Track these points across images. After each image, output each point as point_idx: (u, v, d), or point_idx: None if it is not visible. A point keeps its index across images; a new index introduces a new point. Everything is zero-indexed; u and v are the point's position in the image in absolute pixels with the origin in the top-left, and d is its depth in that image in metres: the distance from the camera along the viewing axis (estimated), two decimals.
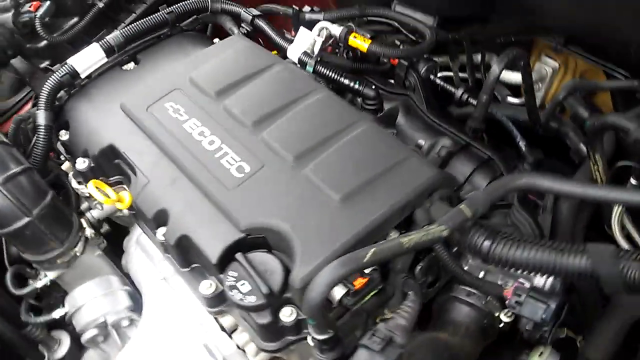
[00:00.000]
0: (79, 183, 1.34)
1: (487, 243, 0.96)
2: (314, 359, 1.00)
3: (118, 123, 1.29)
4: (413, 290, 1.05)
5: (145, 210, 1.17)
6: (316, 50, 1.47)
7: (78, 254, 1.32)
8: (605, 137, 1.13)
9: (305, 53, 1.41)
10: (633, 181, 1.12)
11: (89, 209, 1.37)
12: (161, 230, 1.13)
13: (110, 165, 1.28)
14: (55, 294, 1.42)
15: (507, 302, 1.06)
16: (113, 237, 1.44)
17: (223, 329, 1.14)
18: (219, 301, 1.07)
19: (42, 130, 1.34)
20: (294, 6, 1.63)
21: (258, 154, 1.15)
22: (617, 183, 1.15)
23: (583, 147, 1.30)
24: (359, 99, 1.42)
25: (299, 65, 1.42)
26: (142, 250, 1.32)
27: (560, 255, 0.88)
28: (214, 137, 1.19)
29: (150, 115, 1.26)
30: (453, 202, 1.10)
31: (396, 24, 1.58)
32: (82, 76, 1.41)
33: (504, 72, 1.58)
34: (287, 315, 0.99)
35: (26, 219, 1.20)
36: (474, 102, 1.35)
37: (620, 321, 1.21)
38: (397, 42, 1.60)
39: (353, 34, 1.44)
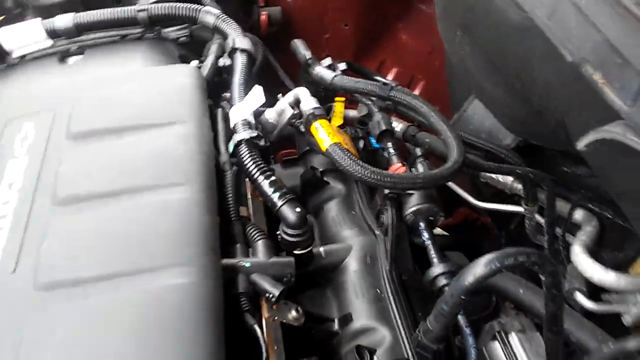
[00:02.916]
0: None
1: None
2: None
3: None
4: None
5: None
6: (282, 123, 1.00)
7: None
8: None
9: (243, 121, 0.95)
10: None
11: None
12: None
13: None
14: None
15: None
16: None
17: None
18: None
19: None
20: (309, 55, 1.16)
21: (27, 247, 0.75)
22: None
23: None
24: None
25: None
26: None
27: None
28: (11, 194, 0.82)
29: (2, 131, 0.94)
30: None
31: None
32: (13, 55, 1.14)
33: (590, 265, 1.01)
34: None
35: None
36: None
37: None
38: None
39: (321, 121, 0.94)
